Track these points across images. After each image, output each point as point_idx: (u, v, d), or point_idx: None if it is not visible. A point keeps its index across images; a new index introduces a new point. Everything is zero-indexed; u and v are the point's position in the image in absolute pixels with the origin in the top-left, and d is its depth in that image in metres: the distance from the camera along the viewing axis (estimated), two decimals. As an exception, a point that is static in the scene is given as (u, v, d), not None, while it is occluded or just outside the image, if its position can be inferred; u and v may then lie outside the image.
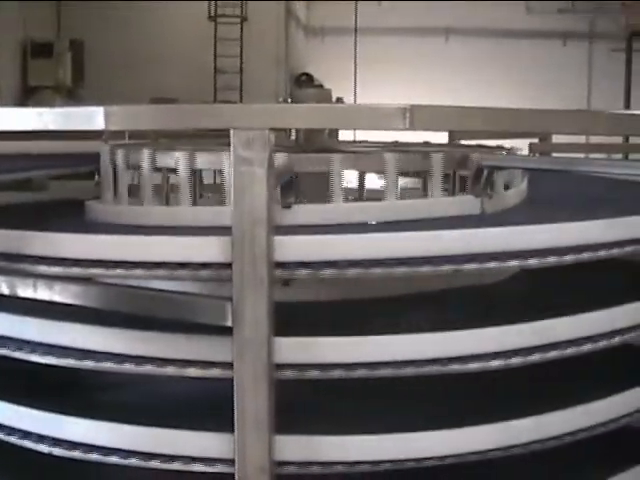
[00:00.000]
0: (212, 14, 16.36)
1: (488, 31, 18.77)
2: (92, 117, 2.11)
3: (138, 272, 2.16)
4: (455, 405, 2.39)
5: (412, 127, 2.02)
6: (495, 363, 2.21)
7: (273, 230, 2.08)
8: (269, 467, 2.12)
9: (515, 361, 2.23)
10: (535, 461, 2.43)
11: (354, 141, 3.75)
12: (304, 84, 15.89)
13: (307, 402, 2.33)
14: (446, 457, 2.22)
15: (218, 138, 2.77)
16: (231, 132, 2.03)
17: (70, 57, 15.63)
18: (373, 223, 2.41)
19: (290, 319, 2.16)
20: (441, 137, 3.91)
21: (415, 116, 2.03)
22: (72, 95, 15.51)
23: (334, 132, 3.13)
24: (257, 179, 2.03)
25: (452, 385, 2.36)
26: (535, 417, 2.30)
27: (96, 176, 3.04)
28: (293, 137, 3.01)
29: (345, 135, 3.38)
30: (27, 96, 15.04)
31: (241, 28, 16.29)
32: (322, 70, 17.42)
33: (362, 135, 3.03)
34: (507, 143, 3.18)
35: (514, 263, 2.25)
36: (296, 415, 2.23)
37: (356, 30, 18.42)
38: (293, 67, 17.30)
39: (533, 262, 2.25)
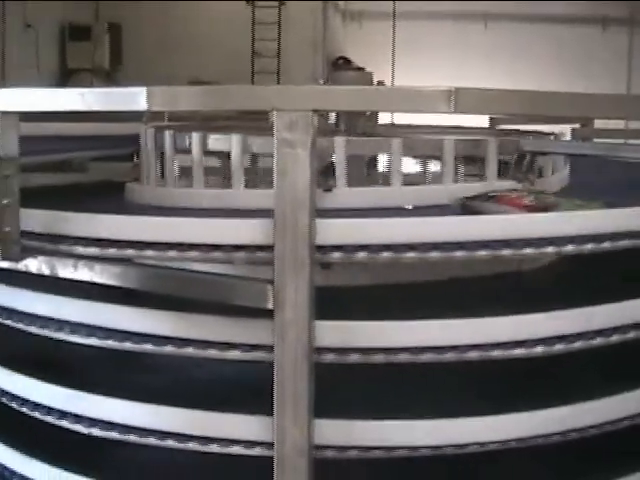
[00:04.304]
0: (251, -2, 16.32)
1: (527, 17, 18.62)
2: (134, 97, 2.09)
3: (192, 254, 2.15)
4: (495, 392, 2.37)
5: (457, 110, 1.98)
6: (538, 349, 2.19)
7: (314, 213, 2.06)
8: (307, 450, 2.11)
9: (558, 348, 2.20)
10: (546, 456, 2.41)
11: (392, 124, 3.72)
12: (341, 67, 15.82)
13: (347, 386, 2.32)
14: (487, 443, 2.21)
15: (256, 121, 2.75)
16: (274, 114, 2.02)
17: (108, 40, 15.66)
18: (410, 207, 2.38)
19: (331, 303, 2.14)
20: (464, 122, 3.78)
21: (460, 99, 1.99)
22: (110, 78, 15.52)
23: (374, 116, 3.10)
24: (300, 161, 2.01)
25: (492, 371, 2.33)
26: (566, 407, 2.28)
27: (135, 158, 3.05)
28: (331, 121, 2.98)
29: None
30: (65, 78, 15.09)
31: (279, 11, 16.25)
32: (359, 54, 17.31)
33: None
34: (547, 129, 3.14)
35: (550, 249, 2.23)
36: (336, 399, 2.22)
37: (394, 15, 18.33)
38: (330, 51, 17.21)
39: (570, 248, 2.23)
